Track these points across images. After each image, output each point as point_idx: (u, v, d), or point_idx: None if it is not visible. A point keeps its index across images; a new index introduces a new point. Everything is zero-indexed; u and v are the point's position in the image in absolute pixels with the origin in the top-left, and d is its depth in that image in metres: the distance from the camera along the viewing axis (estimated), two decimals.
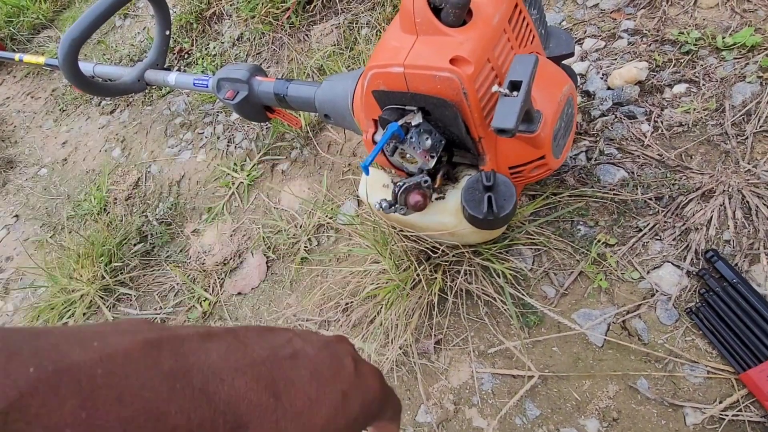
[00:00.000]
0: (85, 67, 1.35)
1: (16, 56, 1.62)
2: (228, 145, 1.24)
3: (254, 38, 1.36)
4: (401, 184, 0.61)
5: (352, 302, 0.86)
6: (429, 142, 0.61)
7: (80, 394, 0.18)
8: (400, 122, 0.59)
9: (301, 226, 1.01)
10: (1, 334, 0.18)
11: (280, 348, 0.26)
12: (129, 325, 0.22)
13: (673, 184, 0.73)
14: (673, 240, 0.70)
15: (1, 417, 0.16)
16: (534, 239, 0.76)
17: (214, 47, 1.45)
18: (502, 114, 0.48)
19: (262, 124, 1.21)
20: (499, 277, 0.75)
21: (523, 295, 0.73)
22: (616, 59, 0.88)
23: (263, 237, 1.03)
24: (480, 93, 0.56)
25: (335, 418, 0.26)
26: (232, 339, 0.25)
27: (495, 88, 0.50)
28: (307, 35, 1.28)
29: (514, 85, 0.49)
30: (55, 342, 0.19)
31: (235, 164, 1.19)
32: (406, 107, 0.60)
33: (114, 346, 0.20)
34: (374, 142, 0.67)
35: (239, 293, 1.00)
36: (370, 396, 0.29)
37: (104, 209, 1.31)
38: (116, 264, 1.12)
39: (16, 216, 1.50)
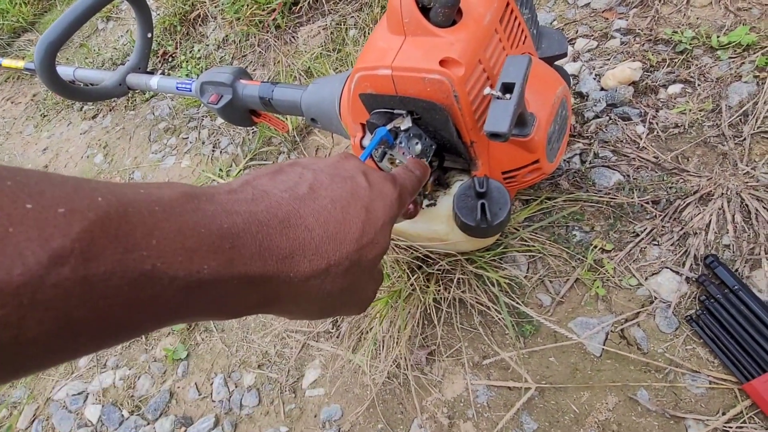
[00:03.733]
0: (66, 71, 1.31)
1: None
2: (213, 150, 1.21)
3: (240, 40, 1.33)
4: None
5: None
6: (419, 147, 0.58)
7: (146, 224, 0.20)
8: (389, 127, 0.56)
9: None
10: (48, 175, 0.19)
11: (296, 187, 0.29)
12: (159, 183, 0.24)
13: (670, 188, 0.71)
14: (672, 245, 0.68)
15: (86, 235, 0.17)
16: (528, 245, 0.74)
17: (199, 50, 1.41)
18: (494, 117, 0.46)
19: (248, 128, 1.18)
20: (493, 285, 0.72)
21: (518, 303, 0.71)
22: (609, 59, 0.86)
23: None
24: (471, 96, 0.53)
25: (364, 230, 0.30)
26: (252, 190, 0.27)
27: (487, 90, 0.47)
28: (293, 37, 1.25)
29: (507, 88, 0.47)
30: (104, 185, 0.20)
31: (220, 170, 1.16)
32: (395, 111, 0.58)
33: (158, 194, 0.22)
34: (362, 147, 0.64)
35: None
36: (388, 201, 0.33)
37: None
38: None
39: None
